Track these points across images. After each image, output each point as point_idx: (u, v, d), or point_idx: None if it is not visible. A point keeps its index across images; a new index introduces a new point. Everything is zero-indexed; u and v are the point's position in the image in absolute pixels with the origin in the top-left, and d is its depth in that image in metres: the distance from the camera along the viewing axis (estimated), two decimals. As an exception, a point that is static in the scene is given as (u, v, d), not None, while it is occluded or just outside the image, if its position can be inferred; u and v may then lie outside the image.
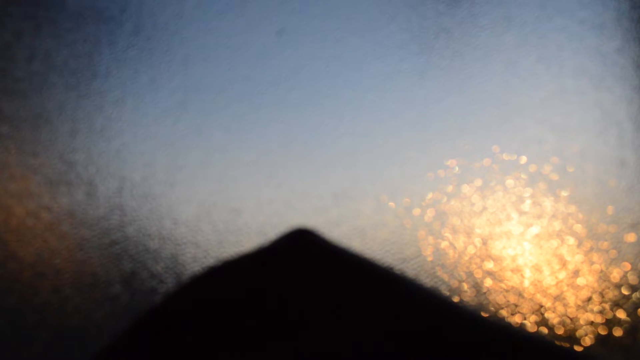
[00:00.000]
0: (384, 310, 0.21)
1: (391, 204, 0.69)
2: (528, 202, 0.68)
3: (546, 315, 0.65)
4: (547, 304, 0.65)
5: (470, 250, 0.68)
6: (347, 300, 0.21)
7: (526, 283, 0.66)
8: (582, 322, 0.64)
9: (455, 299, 0.67)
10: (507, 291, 0.66)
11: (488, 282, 0.67)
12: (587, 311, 0.65)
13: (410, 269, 0.68)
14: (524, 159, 0.68)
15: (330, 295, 0.22)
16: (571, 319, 0.65)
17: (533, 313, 0.65)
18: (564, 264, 0.66)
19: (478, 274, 0.67)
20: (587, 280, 0.65)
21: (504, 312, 0.66)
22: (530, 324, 0.65)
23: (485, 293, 0.66)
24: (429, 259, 0.68)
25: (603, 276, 0.65)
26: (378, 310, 0.21)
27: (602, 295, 0.65)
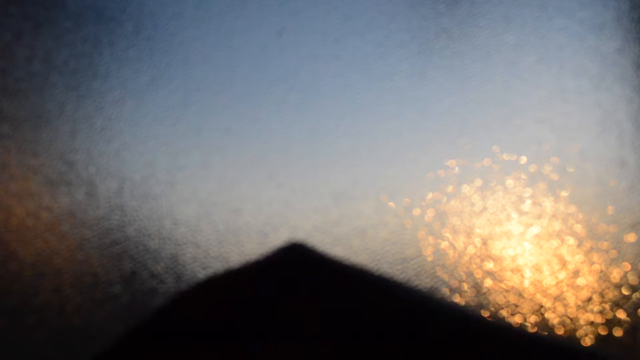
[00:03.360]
0: (375, 315, 0.21)
1: (391, 204, 0.69)
2: (528, 202, 0.68)
3: (546, 315, 0.65)
4: (547, 304, 0.65)
5: (470, 250, 0.68)
6: (339, 308, 0.21)
7: (526, 283, 0.66)
8: (582, 322, 0.64)
9: (453, 299, 0.67)
10: (507, 291, 0.66)
11: (488, 282, 0.67)
12: (587, 311, 0.65)
13: (410, 269, 0.68)
14: (524, 159, 0.68)
15: (324, 303, 0.22)
16: (571, 319, 0.65)
17: (533, 313, 0.65)
18: (564, 264, 0.66)
19: (478, 274, 0.67)
20: (587, 281, 0.65)
21: (504, 312, 0.66)
22: (530, 324, 0.65)
23: (485, 293, 0.66)
24: (429, 259, 0.68)
25: (603, 276, 0.65)
26: (369, 315, 0.21)
27: (602, 295, 0.65)
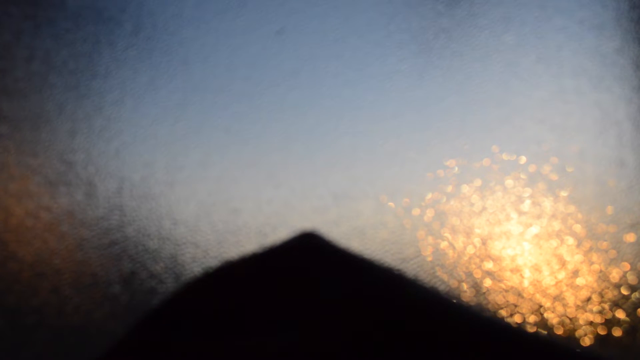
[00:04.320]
0: (391, 310, 0.21)
1: (391, 204, 0.69)
2: (527, 202, 0.68)
3: (545, 315, 0.65)
4: (547, 304, 0.65)
5: (470, 250, 0.68)
6: (353, 301, 0.22)
7: (525, 283, 0.66)
8: (581, 322, 0.65)
9: (460, 300, 0.67)
10: (506, 291, 0.66)
11: (487, 282, 0.67)
12: (586, 311, 0.65)
13: (409, 269, 0.68)
14: (523, 159, 0.68)
15: (338, 295, 0.22)
16: (570, 319, 0.65)
17: (532, 313, 0.66)
18: (563, 264, 0.66)
19: (477, 274, 0.67)
20: (586, 281, 0.65)
21: (503, 312, 0.66)
22: (529, 324, 0.65)
23: (484, 293, 0.67)
24: (429, 259, 0.68)
25: (602, 276, 0.65)
26: (385, 310, 0.21)
27: (601, 295, 0.65)
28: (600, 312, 0.64)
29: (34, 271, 0.67)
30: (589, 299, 0.65)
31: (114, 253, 0.68)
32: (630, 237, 0.65)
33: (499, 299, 0.66)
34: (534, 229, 0.67)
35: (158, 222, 0.69)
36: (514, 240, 0.68)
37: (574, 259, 0.66)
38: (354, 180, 0.70)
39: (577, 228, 0.66)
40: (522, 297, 0.66)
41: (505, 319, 0.66)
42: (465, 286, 0.67)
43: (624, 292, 0.64)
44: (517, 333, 0.21)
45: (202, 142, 0.71)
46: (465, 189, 0.69)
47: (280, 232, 0.69)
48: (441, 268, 0.68)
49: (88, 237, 0.68)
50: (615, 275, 0.65)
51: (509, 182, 0.68)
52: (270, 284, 0.23)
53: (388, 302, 0.21)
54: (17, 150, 0.69)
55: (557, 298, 0.65)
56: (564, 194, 0.67)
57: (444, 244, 0.68)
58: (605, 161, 0.67)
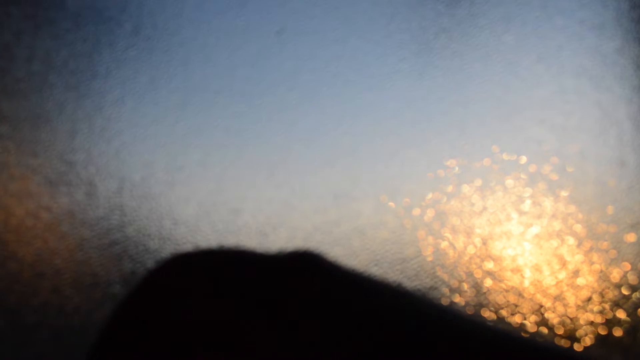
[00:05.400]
0: (384, 330, 0.20)
1: (391, 204, 0.69)
2: (528, 202, 0.68)
3: (546, 315, 0.65)
4: (547, 304, 0.65)
5: (470, 250, 0.68)
6: (347, 320, 0.21)
7: (526, 283, 0.66)
8: (582, 322, 0.64)
9: (453, 299, 0.67)
10: (507, 291, 0.66)
11: (488, 282, 0.67)
12: (587, 311, 0.65)
13: (410, 269, 0.68)
14: (524, 159, 0.68)
15: (331, 315, 0.21)
16: (571, 319, 0.65)
17: (533, 313, 0.65)
18: (563, 264, 0.66)
19: (478, 274, 0.67)
20: (587, 280, 0.65)
21: (504, 312, 0.66)
22: (530, 324, 0.65)
23: (485, 293, 0.67)
24: (429, 259, 0.68)
25: (603, 276, 0.65)
26: (377, 330, 0.20)
27: (602, 295, 0.65)
28: (601, 312, 0.64)
29: (34, 271, 0.67)
30: (589, 299, 0.65)
31: (114, 253, 0.68)
32: (630, 237, 0.65)
33: (499, 299, 0.66)
34: (535, 229, 0.67)
35: (158, 222, 0.69)
36: (515, 240, 0.68)
37: (575, 259, 0.66)
38: (354, 180, 0.70)
39: (578, 228, 0.66)
40: (523, 297, 0.66)
41: (505, 322, 0.66)
42: (465, 286, 0.67)
43: (625, 292, 0.64)
44: (515, 340, 0.21)
45: (202, 142, 0.71)
46: (465, 189, 0.69)
47: (280, 232, 0.69)
48: (441, 268, 0.67)
49: (88, 237, 0.68)
50: (615, 275, 0.65)
51: (510, 182, 0.68)
52: (255, 299, 0.22)
53: (384, 319, 0.21)
54: (17, 150, 0.69)
55: (558, 298, 0.65)
56: (564, 194, 0.67)
57: (444, 244, 0.68)
58: (606, 161, 0.67)
